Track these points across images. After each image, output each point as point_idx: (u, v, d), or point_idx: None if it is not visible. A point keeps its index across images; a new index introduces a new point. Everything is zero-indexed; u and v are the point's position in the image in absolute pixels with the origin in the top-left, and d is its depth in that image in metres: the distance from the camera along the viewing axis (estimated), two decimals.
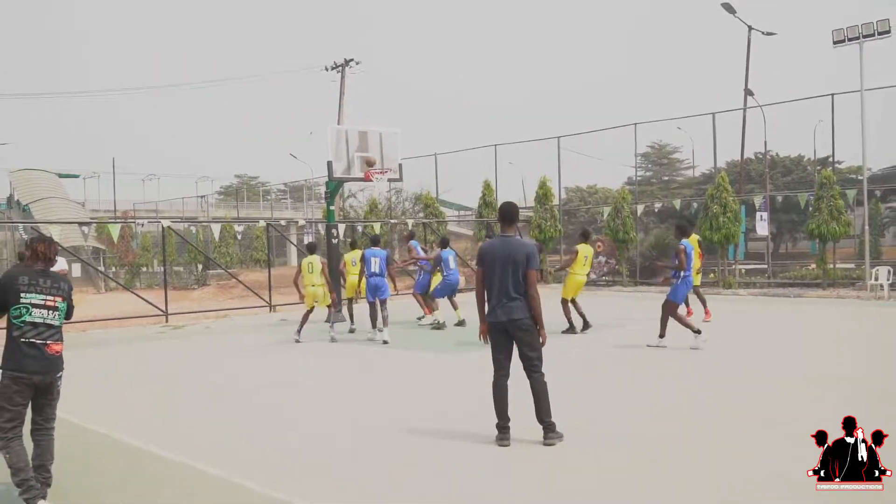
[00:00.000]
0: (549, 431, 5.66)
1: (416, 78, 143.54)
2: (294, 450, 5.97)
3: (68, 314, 4.89)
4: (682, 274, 10.14)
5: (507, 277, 5.69)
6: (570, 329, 11.97)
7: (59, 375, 4.76)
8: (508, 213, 5.96)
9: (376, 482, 5.08)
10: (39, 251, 4.81)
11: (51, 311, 4.71)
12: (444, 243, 14.41)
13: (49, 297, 4.70)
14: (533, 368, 5.74)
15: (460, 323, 13.40)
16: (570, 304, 12.11)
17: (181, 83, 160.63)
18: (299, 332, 12.51)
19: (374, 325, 12.25)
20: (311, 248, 13.24)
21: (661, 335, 10.29)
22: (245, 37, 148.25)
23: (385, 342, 11.76)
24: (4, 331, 4.65)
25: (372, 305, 12.29)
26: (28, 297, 4.63)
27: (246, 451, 5.91)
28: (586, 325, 12.09)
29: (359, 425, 6.66)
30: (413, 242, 15.54)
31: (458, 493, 4.83)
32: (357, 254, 13.33)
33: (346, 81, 34.63)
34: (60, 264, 13.73)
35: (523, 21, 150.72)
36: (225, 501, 4.87)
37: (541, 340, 5.77)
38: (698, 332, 10.08)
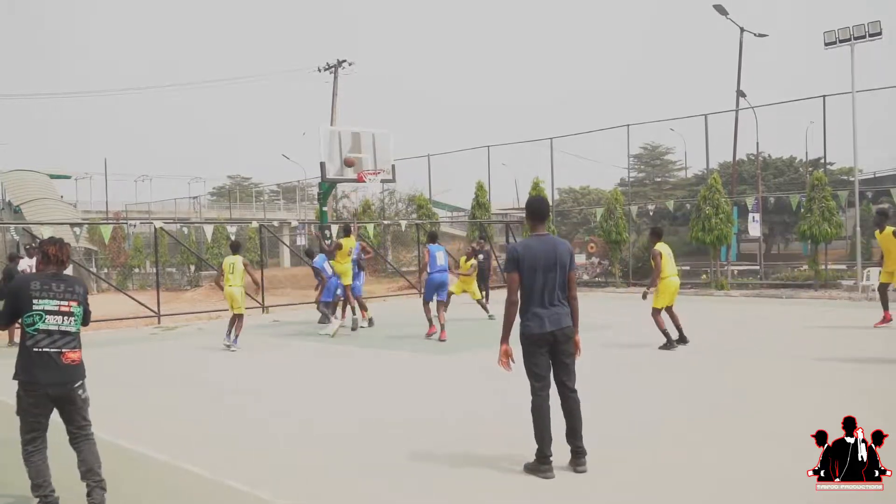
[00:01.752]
0: (583, 455, 5.04)
1: (409, 79, 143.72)
2: (282, 451, 5.93)
3: (85, 319, 4.64)
4: None
5: (553, 282, 4.98)
6: (668, 344, 10.20)
7: (77, 385, 4.49)
8: (541, 210, 5.18)
9: (364, 483, 5.05)
10: (51, 254, 4.55)
11: (66, 317, 4.45)
12: (314, 251, 14.23)
13: (63, 303, 4.45)
14: (572, 383, 5.10)
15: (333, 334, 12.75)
16: (662, 314, 10.39)
17: (173, 84, 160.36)
18: (229, 335, 11.93)
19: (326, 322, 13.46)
20: (235, 248, 12.38)
21: None
22: (237, 38, 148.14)
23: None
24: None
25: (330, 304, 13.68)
26: (41, 304, 4.38)
27: (234, 452, 5.87)
28: (682, 340, 10.43)
29: (347, 426, 6.63)
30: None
31: (450, 495, 4.79)
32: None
33: (339, 83, 34.65)
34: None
35: (517, 22, 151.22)
36: (212, 502, 4.84)
37: (578, 348, 5.17)
38: None
